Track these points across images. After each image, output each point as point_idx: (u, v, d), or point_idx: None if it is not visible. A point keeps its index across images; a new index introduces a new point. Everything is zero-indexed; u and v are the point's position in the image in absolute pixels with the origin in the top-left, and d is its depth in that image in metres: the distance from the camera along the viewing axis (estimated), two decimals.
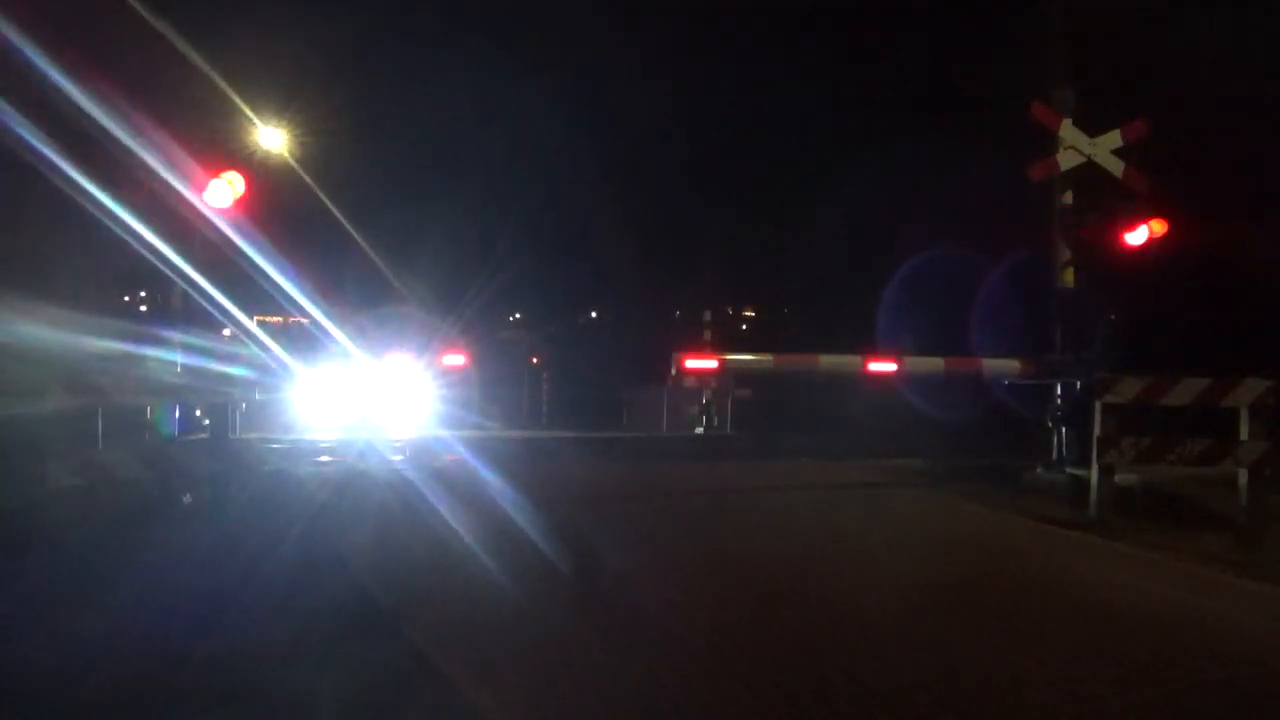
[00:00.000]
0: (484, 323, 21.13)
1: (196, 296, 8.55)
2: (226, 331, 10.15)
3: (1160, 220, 8.55)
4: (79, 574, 4.48)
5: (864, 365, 9.13)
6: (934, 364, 9.27)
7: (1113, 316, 8.52)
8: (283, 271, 10.80)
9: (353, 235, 14.74)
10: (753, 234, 22.50)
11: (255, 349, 10.32)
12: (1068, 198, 8.76)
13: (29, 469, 5.21)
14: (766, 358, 9.38)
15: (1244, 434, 6.06)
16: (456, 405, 17.29)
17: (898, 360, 9.15)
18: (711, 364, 9.59)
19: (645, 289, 25.03)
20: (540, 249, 21.88)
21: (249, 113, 11.62)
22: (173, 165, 7.74)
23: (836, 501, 7.77)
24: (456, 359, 16.71)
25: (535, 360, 23.56)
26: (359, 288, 16.66)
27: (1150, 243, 8.54)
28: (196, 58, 9.73)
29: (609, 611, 4.10)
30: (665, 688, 3.13)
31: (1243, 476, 6.03)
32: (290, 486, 7.78)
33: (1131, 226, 8.69)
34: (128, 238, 7.40)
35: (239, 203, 8.60)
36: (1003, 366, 9.08)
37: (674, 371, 9.48)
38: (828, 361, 9.14)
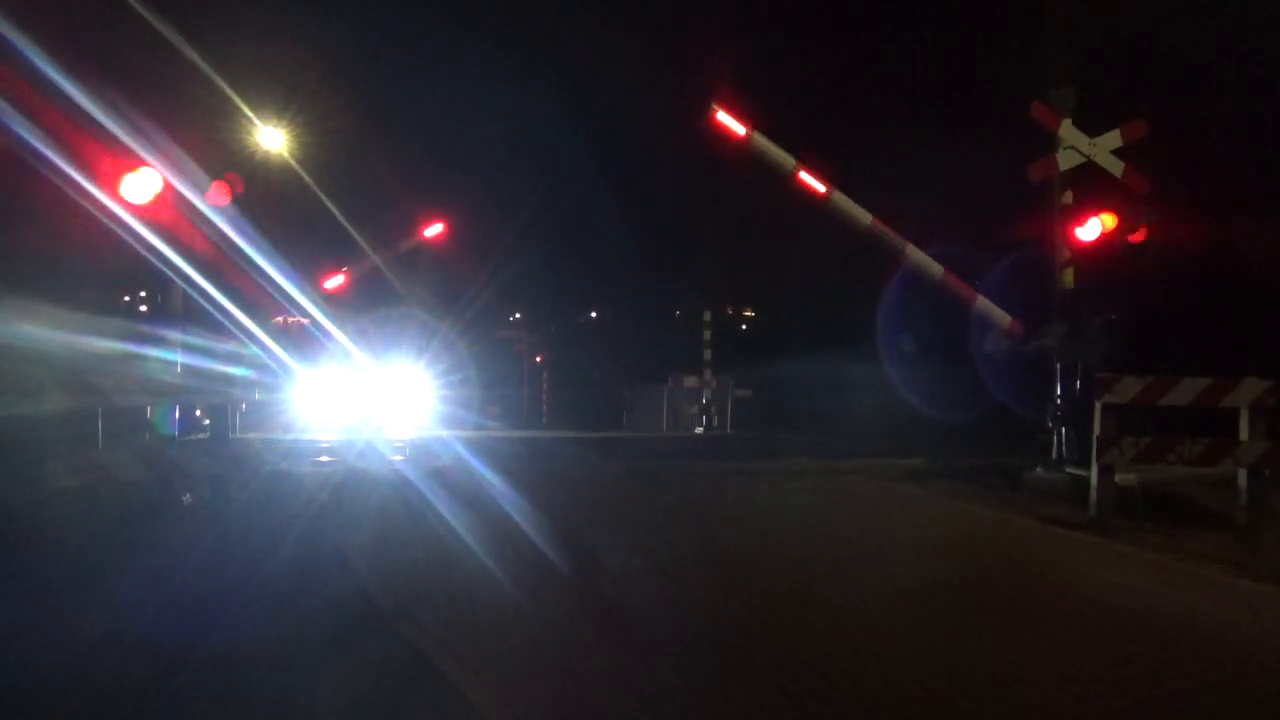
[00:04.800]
0: (484, 322, 21.10)
1: (196, 297, 8.56)
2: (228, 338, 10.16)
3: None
4: (79, 574, 4.48)
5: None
6: (934, 269, 9.23)
7: (1113, 316, 8.52)
8: (282, 271, 10.81)
9: (352, 235, 14.73)
10: (753, 234, 22.49)
11: (255, 349, 10.33)
12: (1067, 198, 8.76)
13: (29, 469, 5.21)
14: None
15: (1244, 434, 6.06)
16: (456, 405, 17.30)
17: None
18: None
19: (645, 289, 25.03)
20: (540, 249, 21.85)
21: (249, 113, 11.63)
22: (173, 165, 7.74)
23: (836, 501, 7.77)
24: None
25: (535, 360, 23.58)
26: (359, 288, 16.64)
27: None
28: (196, 58, 9.74)
29: (609, 611, 4.10)
30: (665, 687, 3.13)
31: (1242, 476, 6.03)
32: (290, 486, 7.78)
33: (1133, 228, 8.67)
34: (128, 238, 7.40)
35: (238, 202, 8.61)
36: (995, 314, 9.09)
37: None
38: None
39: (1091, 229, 8.45)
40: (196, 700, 2.98)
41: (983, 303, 9.17)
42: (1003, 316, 9.07)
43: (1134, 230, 8.65)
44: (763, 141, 9.17)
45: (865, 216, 9.15)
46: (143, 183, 7.28)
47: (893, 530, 6.40)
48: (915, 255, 9.20)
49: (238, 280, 9.64)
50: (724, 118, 9.22)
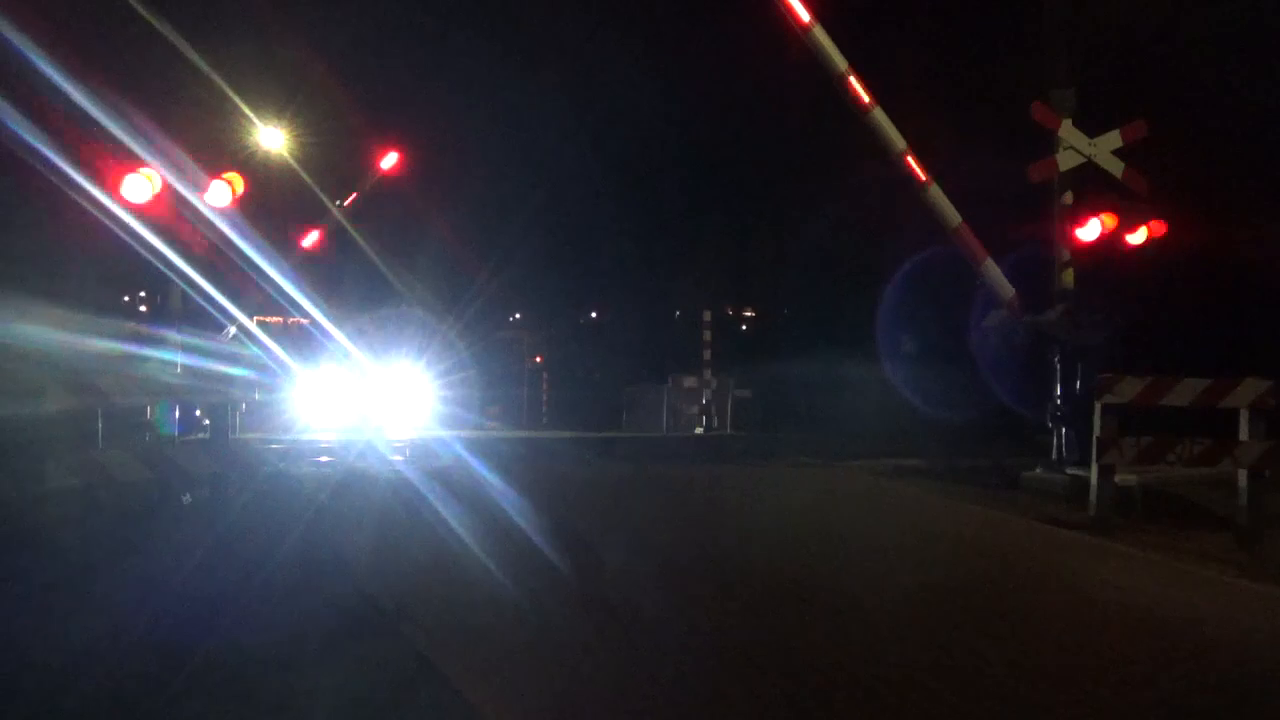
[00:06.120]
0: (484, 322, 21.09)
1: (196, 297, 8.56)
2: (230, 330, 10.16)
3: (1159, 221, 8.54)
4: (79, 574, 4.48)
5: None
6: (952, 215, 9.19)
7: (1115, 309, 8.53)
8: (282, 271, 10.82)
9: (352, 235, 14.72)
10: (753, 234, 22.51)
11: (255, 349, 10.34)
12: (1068, 198, 8.75)
13: (29, 469, 5.21)
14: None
15: (1244, 434, 6.06)
16: (456, 405, 17.30)
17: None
18: None
19: (645, 289, 25.03)
20: (540, 249, 21.83)
21: (249, 112, 11.64)
22: (173, 165, 7.75)
23: (836, 501, 7.76)
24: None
25: (535, 360, 23.58)
26: (359, 288, 16.64)
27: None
28: (196, 58, 9.74)
29: (609, 611, 4.09)
30: (665, 687, 3.13)
31: (1242, 477, 6.02)
32: (290, 486, 7.77)
33: (1133, 228, 8.68)
34: (128, 238, 7.40)
35: (236, 201, 8.62)
36: (1000, 282, 9.09)
37: None
38: None
39: (1091, 229, 8.47)
40: (196, 700, 2.99)
41: (990, 266, 9.13)
42: (1006, 287, 9.05)
43: (1134, 230, 8.66)
44: (821, 35, 8.99)
45: (900, 142, 9.07)
46: (142, 183, 7.28)
47: (893, 530, 6.39)
48: (937, 196, 9.14)
49: (238, 280, 9.64)
50: None
